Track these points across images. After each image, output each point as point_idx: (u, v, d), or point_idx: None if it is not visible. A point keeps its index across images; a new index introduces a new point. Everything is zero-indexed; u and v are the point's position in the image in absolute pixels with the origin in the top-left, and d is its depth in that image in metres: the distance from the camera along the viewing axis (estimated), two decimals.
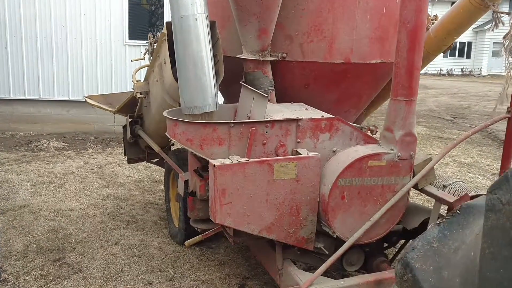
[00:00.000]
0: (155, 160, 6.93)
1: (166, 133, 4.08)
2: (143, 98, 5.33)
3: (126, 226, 6.47)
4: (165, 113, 4.08)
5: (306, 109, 4.50)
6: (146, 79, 5.35)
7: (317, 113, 4.34)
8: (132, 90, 5.45)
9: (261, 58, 4.56)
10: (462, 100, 20.44)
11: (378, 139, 4.20)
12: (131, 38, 11.71)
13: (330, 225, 3.93)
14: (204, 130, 3.81)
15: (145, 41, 9.58)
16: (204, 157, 3.86)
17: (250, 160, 3.71)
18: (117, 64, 11.72)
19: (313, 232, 4.05)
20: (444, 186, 4.14)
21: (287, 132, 4.04)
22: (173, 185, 6.11)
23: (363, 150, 3.98)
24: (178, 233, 5.68)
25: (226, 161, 3.69)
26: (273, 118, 3.99)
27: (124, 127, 6.66)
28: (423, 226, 4.08)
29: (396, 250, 5.17)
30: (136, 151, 6.89)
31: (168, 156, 5.61)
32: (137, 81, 5.41)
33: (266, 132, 3.97)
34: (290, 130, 4.05)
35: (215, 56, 4.18)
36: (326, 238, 4.18)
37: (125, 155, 7.06)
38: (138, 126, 6.18)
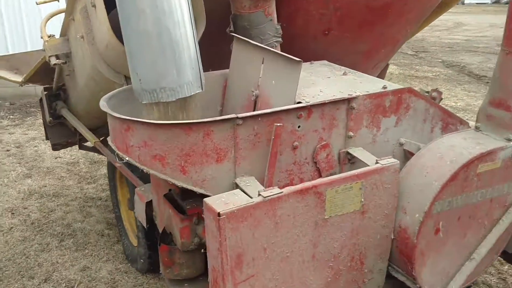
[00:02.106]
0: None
1: (109, 142, 2.12)
2: (61, 65, 3.24)
3: (59, 243, 4.48)
4: (102, 104, 2.09)
5: (344, 72, 2.63)
6: (63, 33, 3.23)
7: (365, 80, 2.50)
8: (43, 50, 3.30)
9: None
10: None
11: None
12: None
13: (415, 277, 2.23)
14: (188, 137, 1.89)
15: None
16: (189, 187, 1.97)
17: (283, 191, 1.86)
18: (24, 10, 9.04)
19: (381, 285, 2.35)
20: None
21: (332, 123, 2.19)
22: (122, 184, 4.16)
23: (466, 146, 2.23)
24: (138, 258, 3.81)
25: (238, 199, 1.82)
26: (309, 101, 2.12)
27: (41, 101, 4.49)
28: None
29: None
30: (63, 133, 4.74)
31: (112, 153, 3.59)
32: (48, 37, 3.27)
33: (299, 127, 2.11)
34: (338, 118, 2.20)
35: None
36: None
37: (47, 139, 4.92)
38: (60, 102, 4.06)
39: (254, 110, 2.37)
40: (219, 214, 1.70)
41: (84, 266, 4.07)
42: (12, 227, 4.75)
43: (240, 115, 1.93)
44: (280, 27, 2.78)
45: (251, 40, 2.70)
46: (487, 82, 9.98)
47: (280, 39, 2.79)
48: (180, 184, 1.94)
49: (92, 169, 6.17)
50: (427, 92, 2.89)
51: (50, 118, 4.12)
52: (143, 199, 2.77)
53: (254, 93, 2.34)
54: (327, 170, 2.27)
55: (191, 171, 1.94)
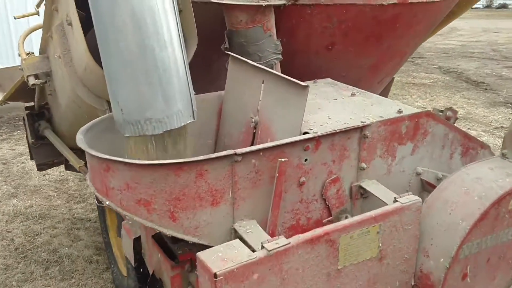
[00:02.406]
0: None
1: (87, 181, 1.83)
2: (41, 85, 2.93)
3: (44, 272, 4.16)
4: (79, 138, 1.80)
5: (352, 93, 2.36)
6: (42, 50, 2.93)
7: (377, 102, 2.23)
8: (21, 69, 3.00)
9: (261, 3, 2.31)
10: None
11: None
12: None
13: None
14: (178, 179, 1.60)
15: None
16: (180, 236, 1.68)
17: (291, 241, 1.57)
18: (12, 22, 8.73)
19: None
20: None
21: (343, 154, 1.91)
22: (110, 209, 3.84)
23: (494, 178, 1.95)
24: None
25: (238, 253, 1.52)
26: (317, 131, 1.84)
27: (24, 119, 4.17)
28: None
29: None
30: (48, 152, 4.40)
31: None
32: (27, 54, 2.98)
33: (306, 160, 1.82)
34: (349, 148, 1.92)
35: (178, 5, 1.88)
36: None
37: (32, 159, 4.60)
38: (43, 122, 3.75)
39: (253, 139, 2.09)
40: (215, 275, 1.41)
41: None
42: None
43: (238, 151, 1.64)
44: (280, 43, 2.50)
45: (249, 57, 2.42)
46: (485, 89, 9.77)
47: (280, 56, 2.52)
48: (169, 232, 1.65)
49: (81, 186, 5.85)
50: (441, 111, 2.62)
51: (33, 140, 3.81)
52: (130, 234, 2.46)
53: (253, 120, 2.05)
54: (337, 207, 1.99)
55: (182, 217, 1.65)
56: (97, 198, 1.83)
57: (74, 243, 4.56)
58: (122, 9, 1.60)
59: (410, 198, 1.81)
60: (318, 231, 1.63)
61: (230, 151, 1.63)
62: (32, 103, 3.79)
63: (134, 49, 1.64)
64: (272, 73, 1.94)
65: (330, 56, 2.82)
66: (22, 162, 6.68)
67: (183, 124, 1.78)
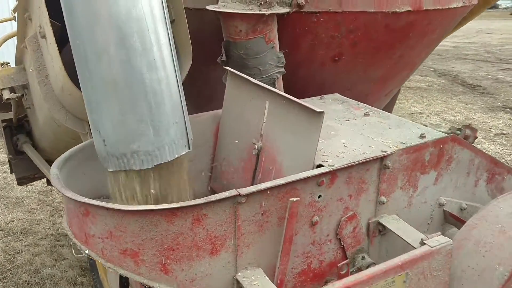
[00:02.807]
0: None
1: (63, 224, 1.56)
2: (17, 99, 2.64)
3: None
4: (53, 173, 1.52)
5: (366, 113, 2.11)
6: (18, 61, 2.64)
7: (394, 124, 1.98)
8: None
9: (264, 11, 2.05)
10: None
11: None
12: None
13: None
14: (171, 226, 1.34)
15: None
16: None
17: None
18: None
19: None
20: None
21: (360, 188, 1.66)
22: None
23: None
24: None
25: None
26: (333, 164, 1.58)
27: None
28: None
29: None
30: (29, 166, 4.09)
31: None
32: (1, 65, 2.68)
33: (319, 197, 1.57)
34: (368, 180, 1.66)
35: (169, 14, 1.61)
36: None
37: (11, 172, 4.29)
38: (22, 137, 3.46)
39: (256, 168, 1.83)
40: None
41: None
42: None
43: (243, 191, 1.38)
44: (282, 55, 2.24)
45: (248, 71, 2.16)
46: (482, 93, 9.60)
47: (282, 70, 2.26)
48: (160, 287, 1.39)
49: None
50: (459, 130, 2.38)
51: (10, 156, 3.51)
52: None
53: (256, 146, 1.79)
54: (353, 247, 1.74)
55: (176, 269, 1.38)
56: (74, 247, 1.56)
57: (58, 262, 4.26)
58: (103, 22, 1.33)
59: (439, 240, 1.57)
60: (338, 285, 1.38)
61: (233, 192, 1.37)
62: (6, 117, 3.48)
63: (118, 70, 1.37)
64: (279, 94, 1.68)
65: (336, 68, 2.57)
66: (4, 172, 6.35)
67: (176, 156, 1.51)
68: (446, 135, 1.85)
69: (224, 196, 1.35)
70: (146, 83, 1.41)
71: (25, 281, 4.02)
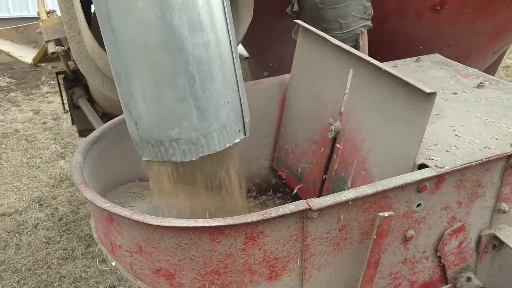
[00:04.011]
0: None
1: (93, 232, 1.27)
2: (64, 52, 2.37)
3: (85, 250, 3.79)
4: (76, 163, 1.22)
5: (480, 84, 1.60)
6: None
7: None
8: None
9: None
10: None
11: None
12: None
13: None
14: (217, 246, 0.99)
15: None
16: None
17: None
18: None
19: None
20: None
21: (475, 193, 1.21)
22: None
23: None
24: None
25: None
26: (444, 164, 1.14)
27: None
28: None
29: None
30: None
31: None
32: (47, 14, 2.41)
33: (418, 206, 1.14)
34: (485, 184, 1.20)
35: None
36: None
37: (73, 124, 4.18)
38: (77, 90, 3.24)
39: (331, 154, 1.43)
40: None
41: (111, 286, 3.39)
42: (37, 224, 4.13)
43: (314, 205, 1.00)
44: (370, 4, 1.75)
45: (326, 25, 1.71)
46: None
47: (369, 23, 1.78)
48: None
49: None
50: None
51: (67, 110, 3.33)
52: None
53: (333, 127, 1.38)
54: (456, 265, 1.32)
55: None
56: (99, 252, 1.27)
57: None
58: None
59: None
60: None
61: (301, 204, 0.99)
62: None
63: (150, 31, 1.00)
64: (369, 61, 1.23)
65: (436, 20, 2.03)
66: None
67: (228, 146, 1.14)
68: None
69: (288, 211, 0.98)
70: (188, 49, 1.02)
71: (87, 234, 3.96)
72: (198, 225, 0.94)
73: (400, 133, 1.15)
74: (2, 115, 6.86)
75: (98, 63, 1.57)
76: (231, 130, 1.14)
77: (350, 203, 1.04)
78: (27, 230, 4.20)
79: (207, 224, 0.94)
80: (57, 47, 2.31)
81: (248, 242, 1.00)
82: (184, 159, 1.12)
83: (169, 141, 1.10)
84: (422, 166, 1.13)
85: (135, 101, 1.09)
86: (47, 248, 3.89)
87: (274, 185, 1.76)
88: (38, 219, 4.32)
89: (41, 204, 4.57)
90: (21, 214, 4.44)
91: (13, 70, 9.12)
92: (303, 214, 1.01)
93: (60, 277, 3.57)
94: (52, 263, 3.74)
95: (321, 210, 1.00)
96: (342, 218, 1.07)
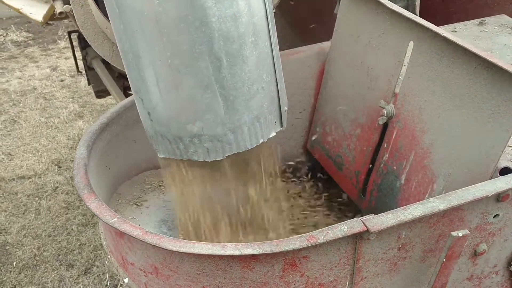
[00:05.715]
0: None
1: (102, 240, 1.09)
2: (72, 13, 2.14)
3: None
4: (79, 157, 1.02)
5: None
6: None
7: None
8: None
9: None
10: None
11: None
12: None
13: None
14: (250, 273, 0.79)
15: None
16: None
17: None
18: None
19: None
20: None
21: None
22: None
23: None
24: None
25: None
26: None
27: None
28: None
29: None
30: None
31: None
32: None
33: (495, 217, 0.92)
34: None
35: None
36: None
37: (89, 84, 4.00)
38: (92, 50, 3.02)
39: (381, 142, 1.20)
40: None
41: None
42: (57, 187, 4.04)
43: (373, 226, 0.79)
44: None
45: None
46: None
47: None
48: None
49: None
50: None
51: (81, 71, 3.14)
52: None
53: (385, 111, 1.14)
54: None
55: None
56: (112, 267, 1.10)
57: None
58: None
59: None
60: None
61: (356, 225, 0.78)
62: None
63: (166, 1, 0.77)
64: (440, 35, 0.97)
65: None
66: None
67: (261, 142, 0.93)
68: None
69: (340, 235, 0.77)
70: (212, 23, 0.79)
71: None
72: (227, 253, 0.74)
73: (478, 128, 0.92)
74: (20, 71, 6.70)
75: (106, 31, 1.35)
76: (266, 123, 0.92)
77: (415, 222, 0.83)
78: (47, 194, 4.12)
79: (237, 252, 0.74)
80: (65, 6, 2.08)
81: (288, 268, 0.81)
82: (208, 159, 0.91)
83: (189, 138, 0.89)
84: (506, 170, 0.90)
85: (147, 88, 0.87)
86: (66, 214, 3.81)
87: (309, 167, 1.56)
88: (57, 182, 4.23)
89: (60, 167, 4.47)
90: (40, 177, 4.35)
91: (30, 24, 8.89)
92: (358, 237, 0.81)
93: (80, 244, 3.50)
94: (72, 229, 3.66)
95: (379, 233, 0.80)
96: (403, 236, 0.86)
